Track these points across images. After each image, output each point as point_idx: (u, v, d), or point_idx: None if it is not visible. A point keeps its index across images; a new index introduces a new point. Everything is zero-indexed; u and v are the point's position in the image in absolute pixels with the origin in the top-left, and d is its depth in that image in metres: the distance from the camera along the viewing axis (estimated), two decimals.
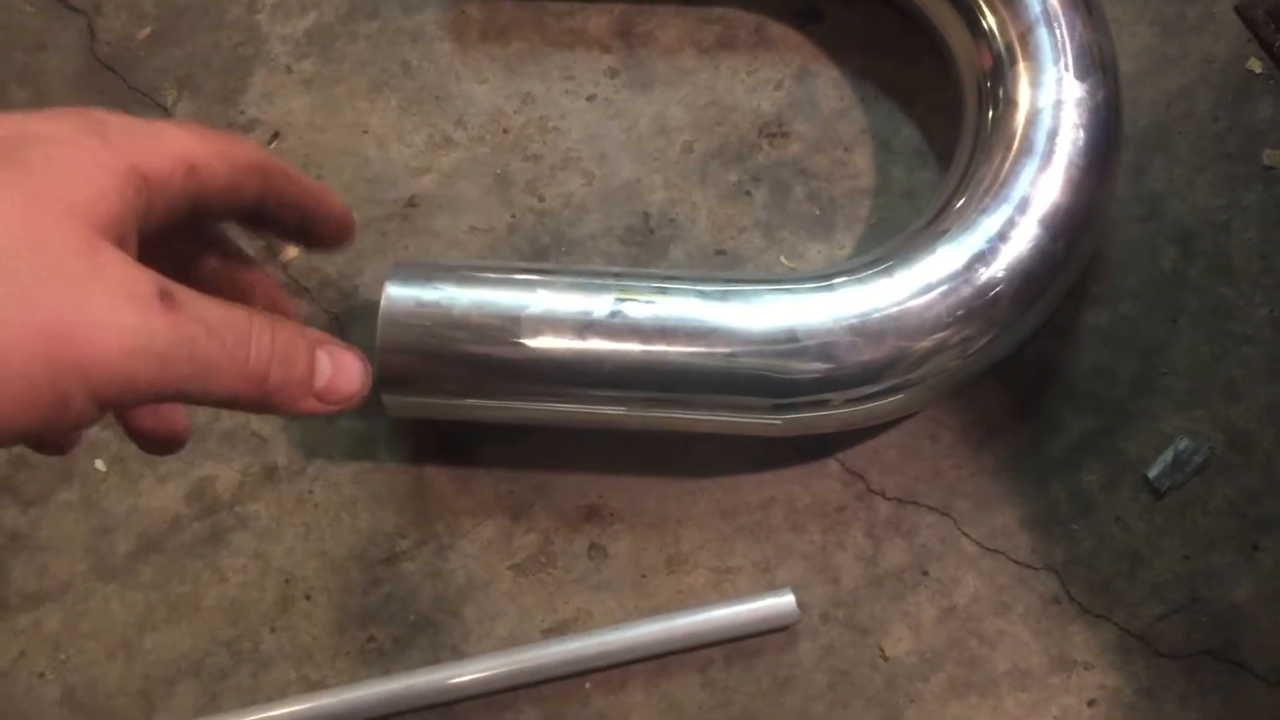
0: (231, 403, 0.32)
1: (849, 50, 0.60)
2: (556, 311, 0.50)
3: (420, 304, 0.50)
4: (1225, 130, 0.58)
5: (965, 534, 0.53)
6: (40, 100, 0.59)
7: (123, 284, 0.30)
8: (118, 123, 0.32)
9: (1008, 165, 0.51)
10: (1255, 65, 0.59)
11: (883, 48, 0.60)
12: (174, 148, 0.33)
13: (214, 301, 0.31)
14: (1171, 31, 0.59)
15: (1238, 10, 0.59)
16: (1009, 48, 0.53)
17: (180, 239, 0.36)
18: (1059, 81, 0.51)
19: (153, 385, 0.30)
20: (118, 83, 0.60)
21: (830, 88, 0.59)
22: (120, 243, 0.31)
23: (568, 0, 0.61)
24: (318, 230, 0.37)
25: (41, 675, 0.53)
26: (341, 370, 0.34)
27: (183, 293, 0.31)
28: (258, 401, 0.32)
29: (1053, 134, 0.51)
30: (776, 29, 0.60)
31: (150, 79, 0.60)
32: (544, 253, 0.58)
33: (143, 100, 0.60)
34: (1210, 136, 0.58)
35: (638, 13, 0.61)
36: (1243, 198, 0.57)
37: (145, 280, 0.30)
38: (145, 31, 0.61)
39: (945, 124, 0.57)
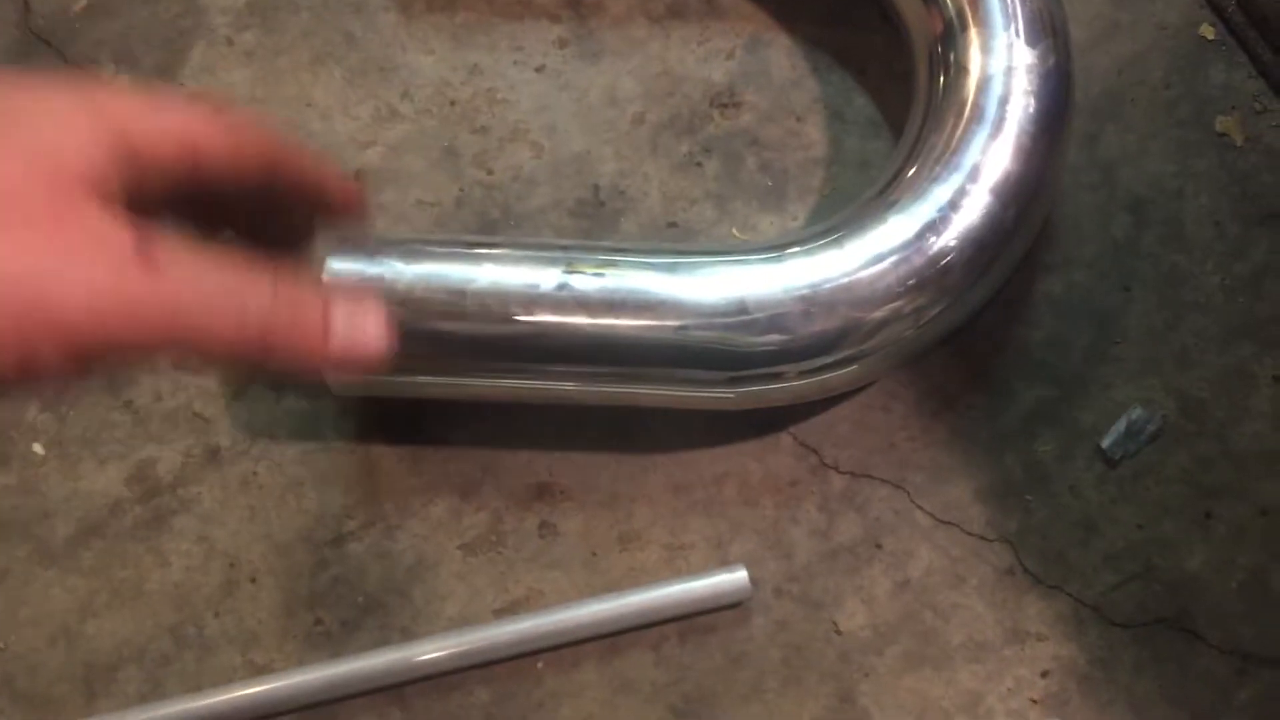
0: (233, 361, 0.31)
1: (801, 18, 0.59)
2: (503, 285, 0.49)
3: (363, 279, 0.49)
4: (1178, 97, 0.57)
5: (919, 506, 0.53)
6: None
7: (97, 239, 0.29)
8: (114, 91, 0.31)
9: (959, 133, 0.51)
10: (1208, 31, 0.58)
11: (835, 15, 0.59)
12: (171, 123, 0.32)
13: (203, 258, 0.30)
14: None
15: None
16: (960, 13, 0.52)
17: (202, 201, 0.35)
18: (1010, 47, 0.51)
19: (133, 342, 0.30)
20: (53, 57, 0.59)
21: (782, 56, 0.59)
22: (102, 201, 0.30)
23: None
24: (325, 208, 0.36)
25: None
26: (358, 328, 0.33)
27: (166, 250, 0.30)
28: (261, 360, 0.31)
29: (1003, 101, 0.50)
30: None
31: (87, 52, 0.59)
32: (493, 226, 0.57)
33: (78, 74, 0.58)
34: (1163, 103, 0.57)
35: None
36: (1195, 164, 0.56)
37: (121, 237, 0.29)
38: (81, 4, 0.59)
39: (899, 92, 0.57)
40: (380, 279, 0.49)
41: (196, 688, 0.51)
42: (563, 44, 0.59)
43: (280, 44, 0.59)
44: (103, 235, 0.29)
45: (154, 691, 0.52)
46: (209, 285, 0.30)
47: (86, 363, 0.30)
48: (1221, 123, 0.57)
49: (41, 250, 0.29)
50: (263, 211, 0.36)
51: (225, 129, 0.33)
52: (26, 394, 0.34)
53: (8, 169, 0.29)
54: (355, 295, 0.32)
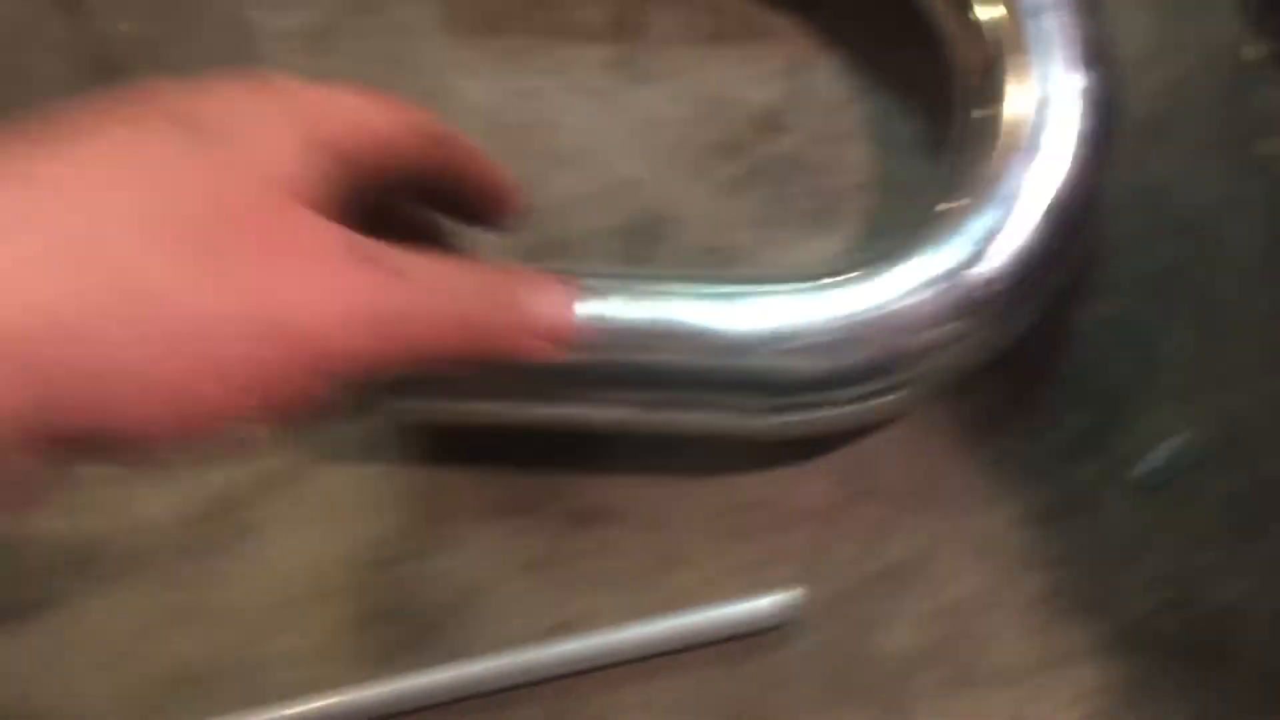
0: (449, 358, 0.30)
1: (845, 41, 0.59)
2: None
3: None
4: (1222, 120, 0.57)
5: (959, 533, 0.54)
6: (31, 100, 0.59)
7: (324, 252, 0.29)
8: (297, 88, 0.32)
9: (1002, 161, 0.51)
10: (1251, 50, 0.58)
11: (880, 39, 0.59)
12: (358, 115, 0.32)
13: (412, 252, 0.30)
14: (1170, 16, 0.59)
15: None
16: (1004, 39, 0.52)
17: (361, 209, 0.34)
18: (1054, 75, 0.51)
19: (371, 351, 0.29)
20: (109, 83, 0.60)
21: (828, 79, 0.59)
22: (318, 210, 0.29)
23: None
24: (490, 208, 0.36)
25: (50, 679, 0.54)
26: (554, 304, 0.32)
27: (380, 249, 0.30)
28: (475, 351, 0.31)
29: (1046, 128, 0.51)
30: (774, 19, 0.60)
31: (144, 79, 0.60)
32: (541, 251, 0.58)
33: None
34: (1209, 126, 0.57)
35: (633, 3, 0.60)
36: (1241, 189, 0.57)
37: (346, 242, 0.29)
38: (132, 28, 0.61)
39: (944, 116, 0.57)
40: None
41: (258, 704, 0.54)
42: (607, 67, 0.60)
43: (331, 69, 0.60)
44: (329, 246, 0.28)
45: (215, 709, 0.54)
46: (437, 284, 0.30)
47: (343, 386, 0.29)
48: (1263, 145, 0.57)
49: (276, 272, 0.28)
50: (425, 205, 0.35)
51: (404, 117, 0.32)
52: (298, 433, 0.34)
53: (222, 188, 0.28)
54: (550, 280, 0.31)
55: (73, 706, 0.54)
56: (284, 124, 0.30)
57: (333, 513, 0.56)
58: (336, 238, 0.29)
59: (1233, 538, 0.53)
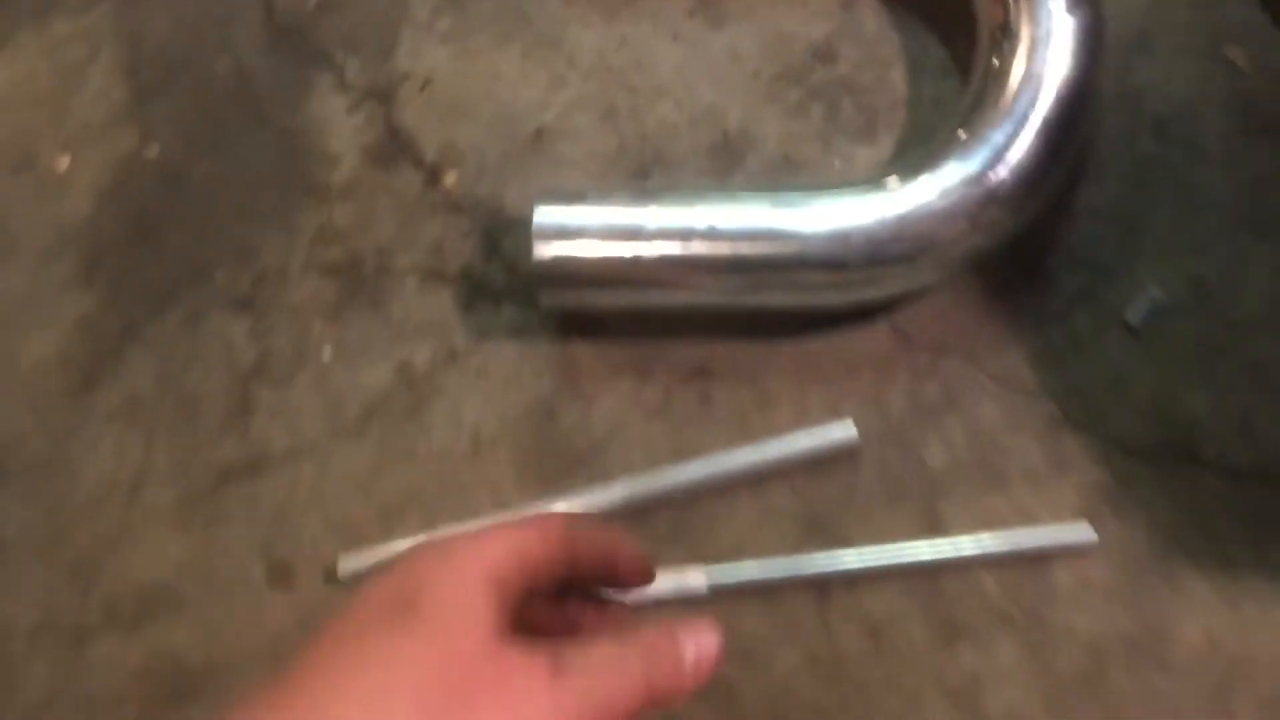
0: (634, 711, 0.36)
1: None
2: (666, 225, 0.66)
3: (563, 222, 0.67)
4: (1196, 31, 0.71)
5: (984, 372, 0.70)
6: (239, 66, 0.74)
7: (533, 672, 0.35)
8: (471, 544, 0.38)
9: (1012, 85, 0.65)
10: None
11: None
12: (520, 549, 0.39)
13: (589, 649, 0.36)
14: None
15: None
16: None
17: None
18: (1054, 15, 0.65)
19: None
20: (296, 48, 0.75)
21: (870, 16, 0.73)
22: (511, 642, 0.36)
23: None
24: (623, 580, 0.44)
25: (306, 508, 0.73)
26: (705, 644, 0.39)
27: (569, 656, 0.36)
28: (654, 700, 0.37)
29: (1048, 58, 0.65)
30: None
31: (322, 41, 0.75)
32: (647, 169, 0.73)
33: (319, 61, 0.75)
34: (1183, 37, 0.71)
35: None
36: (1209, 89, 0.70)
37: (547, 662, 0.35)
38: (313, 2, 0.75)
39: (966, 43, 0.71)
40: (576, 222, 0.66)
41: (458, 520, 0.72)
42: (691, 15, 0.74)
43: (470, 27, 0.75)
44: (535, 669, 0.35)
45: (429, 525, 0.72)
46: (618, 668, 0.36)
47: None
48: (1229, 50, 0.70)
49: (507, 702, 0.34)
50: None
51: (558, 539, 0.39)
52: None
53: (449, 654, 0.34)
54: (697, 626, 0.38)
55: (336, 523, 0.72)
56: (474, 578, 0.37)
57: (500, 381, 0.73)
58: (539, 660, 0.35)
59: (1198, 367, 0.69)
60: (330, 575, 0.72)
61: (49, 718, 0.73)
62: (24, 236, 0.74)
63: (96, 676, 0.73)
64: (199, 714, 0.72)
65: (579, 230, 0.66)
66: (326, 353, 0.73)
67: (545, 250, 0.66)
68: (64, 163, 0.75)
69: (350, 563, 0.71)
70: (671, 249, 0.66)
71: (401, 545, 0.71)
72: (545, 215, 0.66)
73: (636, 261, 0.66)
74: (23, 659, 0.74)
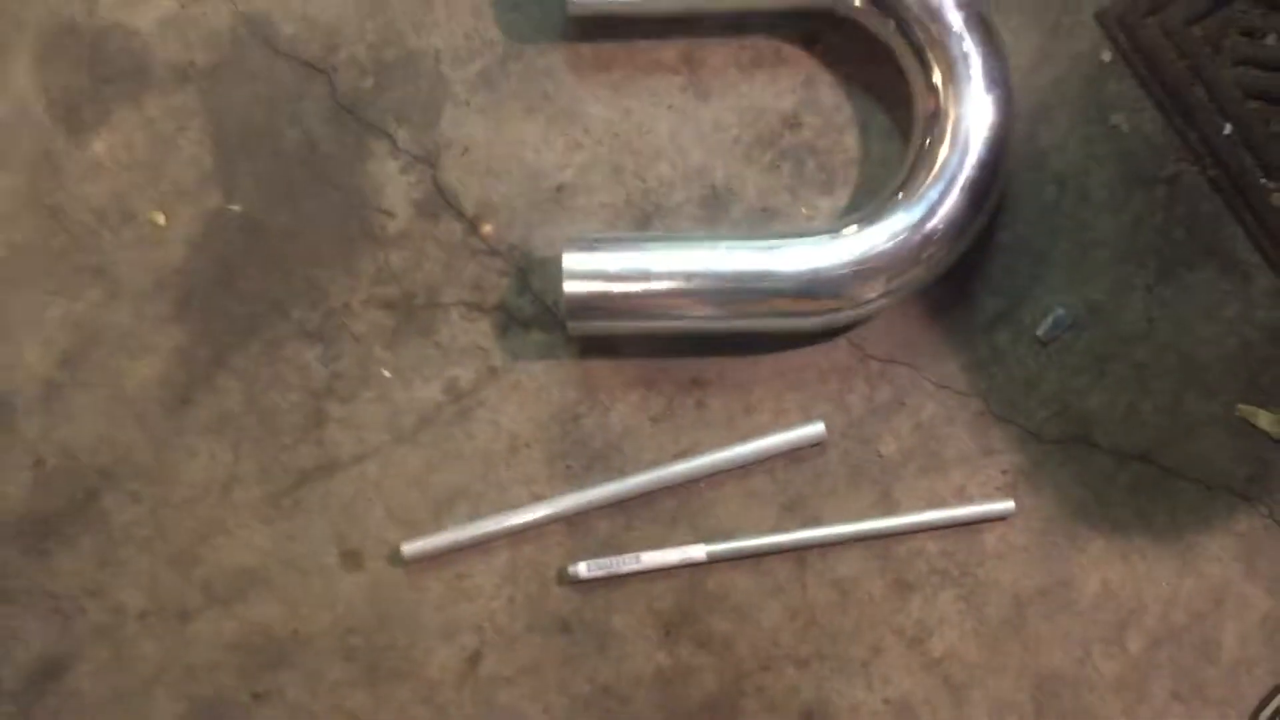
0: None
1: (841, 64, 0.89)
2: (670, 268, 0.82)
3: (588, 264, 0.82)
4: (1087, 103, 0.88)
5: (925, 378, 0.87)
6: (308, 135, 0.89)
7: None
8: None
9: (942, 151, 0.82)
10: (1106, 55, 0.88)
11: (861, 61, 0.89)
12: None
13: None
14: (1051, 34, 0.89)
15: (1095, 17, 0.89)
16: (943, 71, 0.82)
17: None
18: (972, 95, 0.82)
19: None
20: (355, 121, 0.90)
21: (828, 91, 0.89)
22: None
23: (648, 39, 0.90)
24: None
25: (371, 502, 0.88)
26: None
27: None
28: None
29: (970, 129, 0.81)
30: (790, 50, 0.90)
31: (377, 116, 0.90)
32: (649, 217, 0.89)
33: (375, 131, 0.90)
34: (1077, 108, 0.88)
35: (696, 45, 0.90)
36: (1097, 149, 0.88)
37: None
38: (368, 82, 0.91)
39: (906, 112, 0.88)
40: (598, 264, 0.82)
41: (500, 510, 0.87)
42: (683, 90, 0.90)
43: (501, 102, 0.90)
44: None
45: (474, 513, 0.88)
46: None
47: None
48: (1114, 119, 0.88)
49: None
50: None
51: None
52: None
53: None
54: None
55: (397, 514, 0.88)
56: None
57: (531, 393, 0.88)
58: None
59: (1093, 371, 0.86)
60: (394, 558, 0.87)
61: (159, 687, 0.88)
62: (127, 280, 0.89)
63: (196, 650, 0.88)
64: (285, 678, 0.87)
65: (600, 272, 0.82)
66: (386, 373, 0.88)
67: (573, 288, 0.82)
68: (160, 218, 0.89)
69: (411, 547, 0.87)
70: (675, 285, 0.82)
71: (453, 533, 0.86)
72: (572, 260, 0.82)
73: (646, 296, 0.82)
74: (133, 638, 0.88)
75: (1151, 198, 0.87)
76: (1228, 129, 0.86)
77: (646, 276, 0.82)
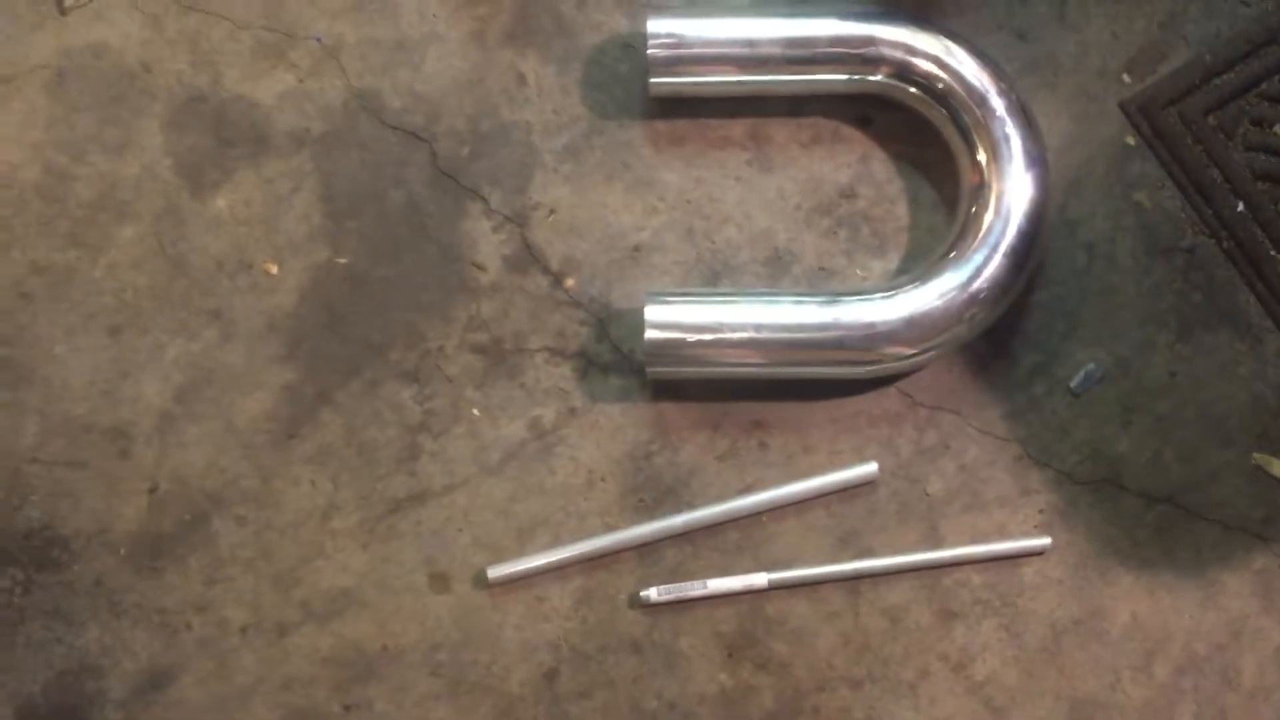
0: None
1: (893, 142, 1.00)
2: (740, 321, 0.91)
3: (667, 315, 0.91)
4: (1113, 181, 0.98)
5: (969, 424, 0.95)
6: (410, 196, 0.99)
7: None
8: None
9: (986, 220, 0.92)
10: (1131, 139, 0.99)
11: (911, 139, 0.99)
12: None
13: None
14: (1080, 120, 0.99)
15: (1120, 106, 0.99)
16: (987, 150, 0.92)
17: None
18: (1014, 172, 0.92)
19: None
20: (453, 185, 1.00)
21: (881, 166, 1.00)
22: None
23: (718, 118, 1.00)
24: None
25: (459, 529, 0.96)
26: None
27: None
28: None
29: (1012, 203, 0.91)
30: (846, 130, 1.00)
31: (473, 181, 1.00)
32: (717, 275, 0.99)
33: (470, 194, 1.00)
34: (1104, 185, 0.98)
35: (762, 124, 1.00)
36: (1122, 221, 0.98)
37: None
38: (466, 151, 1.01)
39: (951, 187, 0.98)
40: (675, 316, 0.91)
41: (579, 538, 0.95)
42: (749, 163, 1.00)
43: (584, 170, 1.00)
44: None
45: (555, 542, 0.96)
46: None
47: None
48: (1138, 196, 0.98)
49: None
50: None
51: None
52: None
53: None
54: None
55: (483, 541, 0.95)
56: None
57: (608, 432, 0.97)
58: None
59: (1120, 419, 0.95)
60: (478, 581, 0.95)
61: (256, 697, 0.95)
62: (241, 323, 0.98)
63: (293, 663, 0.95)
64: (375, 691, 0.95)
65: (677, 324, 0.91)
66: (475, 412, 0.97)
67: (654, 336, 0.91)
68: (273, 268, 0.98)
69: (496, 571, 0.95)
70: (744, 336, 0.91)
71: (533, 559, 0.94)
72: (654, 313, 0.91)
73: (717, 345, 0.92)
74: (234, 651, 0.95)
75: (1172, 266, 0.97)
76: (1240, 207, 0.95)
77: (719, 328, 0.91)
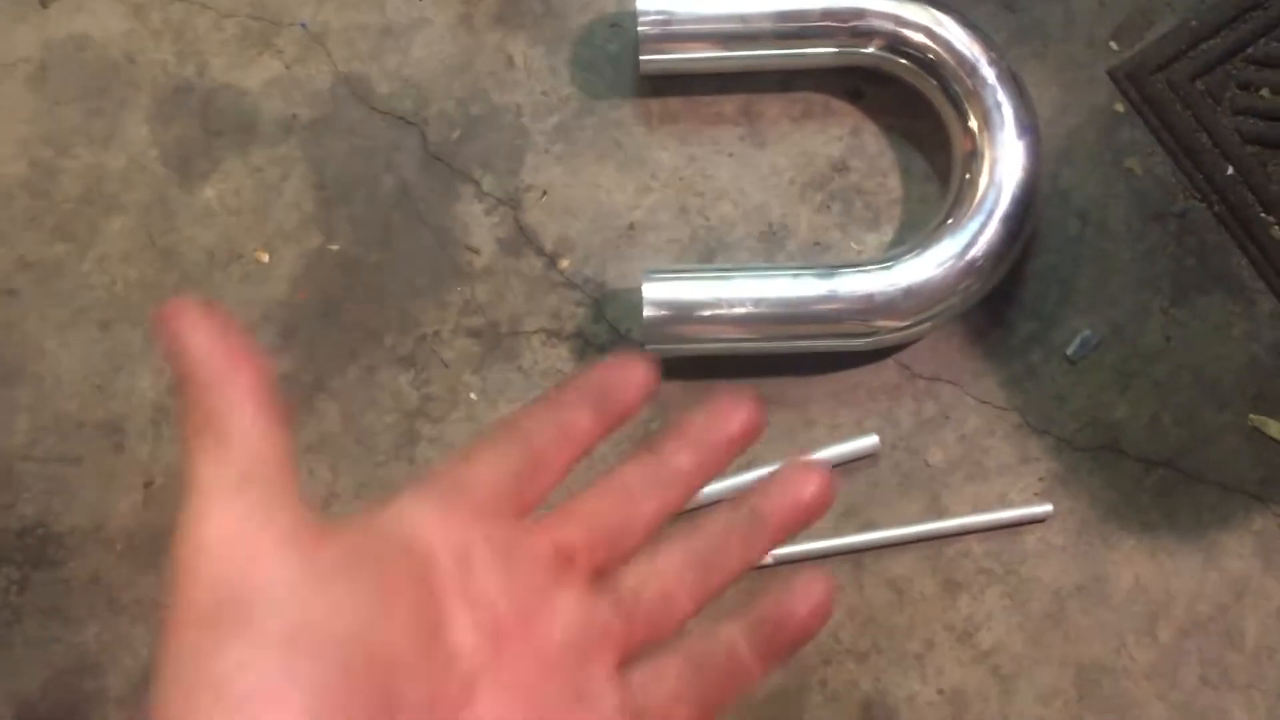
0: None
1: (883, 114, 1.00)
2: (738, 295, 0.91)
3: (664, 292, 0.91)
4: (1103, 148, 0.99)
5: (968, 394, 0.96)
6: (402, 181, 0.99)
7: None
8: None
9: (980, 189, 0.92)
10: (1120, 106, 0.99)
11: (902, 111, 1.00)
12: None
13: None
14: (1069, 88, 1.00)
15: (1108, 73, 0.99)
16: (979, 119, 0.93)
17: None
18: (1006, 140, 0.92)
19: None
20: (445, 168, 1.00)
21: (872, 139, 1.00)
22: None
23: (709, 95, 1.00)
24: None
25: None
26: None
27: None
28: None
29: (1004, 171, 0.92)
30: (837, 103, 1.00)
31: (465, 164, 1.00)
32: (712, 252, 0.99)
33: (462, 177, 0.99)
34: (1095, 152, 0.99)
35: (753, 100, 1.00)
36: (1114, 188, 0.98)
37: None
38: (456, 134, 1.00)
39: (943, 158, 0.98)
40: (674, 293, 0.91)
41: None
42: (742, 139, 1.00)
43: (577, 150, 1.00)
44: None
45: None
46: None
47: None
48: (1128, 162, 0.98)
49: None
50: None
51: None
52: None
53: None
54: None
55: None
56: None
57: None
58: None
59: (1118, 385, 0.96)
60: None
61: None
62: (233, 313, 0.97)
63: None
64: None
65: (675, 302, 0.91)
66: (473, 395, 0.97)
67: (652, 312, 0.91)
68: (264, 257, 0.98)
69: None
70: (743, 311, 0.91)
71: None
72: (652, 290, 0.91)
73: (715, 322, 0.91)
74: None
75: (1164, 231, 0.97)
76: (1229, 170, 0.96)
77: (717, 304, 0.91)
